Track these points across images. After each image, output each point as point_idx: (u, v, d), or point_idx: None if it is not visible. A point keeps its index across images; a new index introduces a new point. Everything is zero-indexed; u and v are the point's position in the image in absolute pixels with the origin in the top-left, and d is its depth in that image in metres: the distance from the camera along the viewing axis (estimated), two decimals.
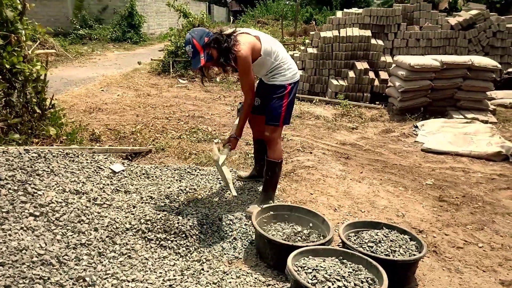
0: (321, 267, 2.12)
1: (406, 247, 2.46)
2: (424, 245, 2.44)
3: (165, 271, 2.36)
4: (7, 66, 3.70)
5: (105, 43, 16.02)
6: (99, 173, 3.26)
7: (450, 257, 2.76)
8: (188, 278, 2.32)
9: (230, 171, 3.67)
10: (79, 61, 11.67)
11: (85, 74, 9.54)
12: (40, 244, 2.16)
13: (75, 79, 8.74)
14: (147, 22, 19.07)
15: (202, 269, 2.41)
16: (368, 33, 7.59)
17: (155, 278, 2.29)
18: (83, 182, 2.96)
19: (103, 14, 18.40)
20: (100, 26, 17.68)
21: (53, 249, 2.19)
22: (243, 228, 2.92)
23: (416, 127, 5.73)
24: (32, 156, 2.92)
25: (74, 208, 2.56)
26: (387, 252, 2.40)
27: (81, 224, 2.48)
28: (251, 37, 2.95)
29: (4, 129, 3.82)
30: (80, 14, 17.75)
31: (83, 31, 16.63)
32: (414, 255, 2.40)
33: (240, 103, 3.42)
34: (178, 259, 2.50)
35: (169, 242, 2.62)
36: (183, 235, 2.67)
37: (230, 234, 2.83)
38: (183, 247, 2.60)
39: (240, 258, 2.61)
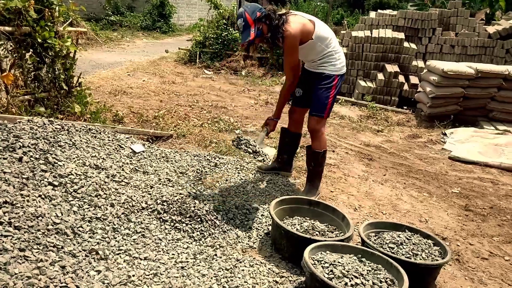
0: (338, 262, 2.03)
1: (428, 252, 2.34)
2: (448, 251, 2.32)
3: (178, 253, 2.32)
4: (39, 40, 3.74)
5: (135, 30, 16.21)
6: (120, 151, 3.26)
7: (474, 267, 2.62)
8: (200, 262, 2.27)
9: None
10: (108, 46, 11.85)
11: (113, 58, 9.66)
12: (56, 213, 2.16)
13: (103, 63, 8.86)
14: (177, 13, 19.21)
15: (215, 255, 2.36)
16: (401, 35, 7.39)
17: (168, 259, 2.25)
18: (103, 158, 2.96)
19: (135, 2, 18.63)
20: (132, 14, 17.92)
21: (69, 220, 2.17)
22: (259, 218, 2.86)
23: (445, 134, 5.53)
24: (55, 128, 2.93)
25: (93, 182, 2.55)
26: (408, 255, 2.29)
27: (98, 199, 2.47)
28: (304, 19, 2.91)
29: (31, 102, 3.87)
30: (113, 1, 18.01)
31: (115, 17, 16.89)
32: (437, 260, 2.28)
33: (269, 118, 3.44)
34: (191, 243, 2.46)
35: (184, 225, 2.58)
36: (198, 219, 2.62)
37: (245, 223, 2.77)
38: (197, 231, 2.56)
39: (255, 248, 2.55)
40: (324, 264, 2.02)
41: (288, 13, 2.87)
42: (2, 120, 2.74)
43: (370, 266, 2.07)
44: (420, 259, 2.27)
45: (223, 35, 9.51)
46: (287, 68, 2.98)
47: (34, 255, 1.83)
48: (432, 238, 2.48)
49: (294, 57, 2.90)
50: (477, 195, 3.76)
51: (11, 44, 3.64)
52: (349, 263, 2.05)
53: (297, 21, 2.83)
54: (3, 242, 1.78)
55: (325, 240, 2.27)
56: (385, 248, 2.34)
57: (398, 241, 2.39)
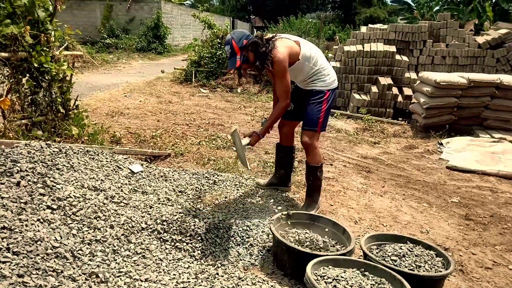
0: (342, 277, 2.01)
1: (431, 263, 2.33)
2: (451, 261, 2.30)
3: (179, 273, 2.30)
4: (35, 65, 3.78)
5: (130, 52, 16.39)
6: (118, 172, 3.25)
7: (478, 277, 2.60)
8: (202, 281, 2.25)
9: (249, 177, 3.65)
10: (104, 68, 11.94)
11: (110, 80, 9.73)
12: (55, 237, 2.14)
13: (100, 85, 8.91)
14: (172, 34, 19.46)
15: (217, 274, 2.34)
16: (393, 48, 7.50)
17: (169, 279, 2.23)
18: (101, 180, 2.95)
19: (130, 24, 18.89)
20: (127, 36, 18.14)
21: (68, 243, 2.15)
22: (260, 235, 2.84)
23: (441, 144, 5.56)
24: (53, 151, 2.93)
25: (91, 204, 2.54)
26: (411, 267, 2.27)
27: (97, 221, 2.45)
28: (290, 41, 2.97)
29: (28, 126, 3.88)
30: (108, 24, 18.26)
31: (110, 40, 17.08)
32: (441, 271, 2.26)
33: (265, 118, 3.43)
34: (192, 262, 2.44)
35: (184, 244, 2.56)
36: (199, 238, 2.61)
37: (246, 240, 2.75)
38: (198, 250, 2.54)
39: (256, 265, 2.52)
40: (327, 279, 2.00)
41: (275, 37, 2.93)
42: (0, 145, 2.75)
43: (373, 280, 2.05)
44: (424, 271, 2.25)
45: (217, 54, 9.62)
46: (281, 93, 2.95)
47: (33, 281, 1.80)
48: (434, 249, 2.47)
49: (287, 79, 2.91)
50: (477, 204, 3.76)
51: (7, 69, 3.67)
52: (352, 277, 2.03)
53: (283, 45, 2.88)
54: (1, 268, 1.76)
55: (327, 255, 2.25)
56: (388, 260, 2.32)
57: (401, 253, 2.38)
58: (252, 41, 2.81)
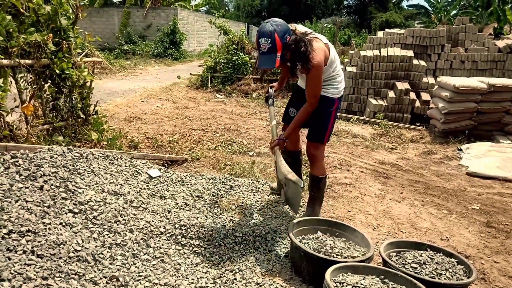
0: (361, 284, 1.99)
1: (453, 271, 2.28)
2: (473, 270, 2.26)
3: (197, 278, 2.31)
4: (57, 71, 3.87)
5: (147, 58, 16.63)
6: (137, 177, 3.29)
7: (501, 286, 2.54)
8: (220, 287, 2.25)
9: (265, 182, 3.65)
10: (122, 74, 12.14)
11: (127, 86, 9.88)
12: (77, 241, 2.18)
13: (118, 90, 9.07)
14: (187, 40, 19.68)
15: (235, 279, 2.34)
16: (410, 53, 7.43)
17: (187, 284, 2.24)
18: (121, 184, 2.99)
19: (147, 31, 19.20)
20: (144, 42, 18.43)
21: (89, 247, 2.19)
22: (277, 241, 2.84)
23: (460, 150, 5.47)
24: (74, 156, 2.99)
25: (112, 209, 2.58)
26: (432, 275, 2.24)
27: (117, 225, 2.49)
28: (323, 44, 2.72)
29: (50, 131, 3.97)
30: (125, 31, 18.59)
31: (127, 46, 17.38)
32: (462, 279, 2.22)
33: (271, 86, 3.38)
34: (210, 267, 2.45)
35: (202, 249, 2.57)
36: (217, 243, 2.62)
37: (264, 245, 2.75)
38: (216, 255, 2.55)
39: (274, 271, 2.52)
40: (346, 286, 1.99)
41: (309, 35, 2.64)
42: (23, 150, 2.82)
43: (393, 287, 2.02)
44: (445, 278, 2.21)
45: (233, 59, 9.68)
46: (311, 95, 2.74)
47: (56, 284, 1.84)
48: (456, 256, 2.42)
49: (319, 86, 2.72)
50: (499, 211, 3.67)
51: (30, 76, 3.77)
52: (372, 284, 2.01)
53: (320, 47, 2.63)
54: (27, 271, 1.80)
55: (346, 261, 2.24)
56: (408, 268, 2.29)
57: (421, 260, 2.34)
58: (295, 39, 2.52)
